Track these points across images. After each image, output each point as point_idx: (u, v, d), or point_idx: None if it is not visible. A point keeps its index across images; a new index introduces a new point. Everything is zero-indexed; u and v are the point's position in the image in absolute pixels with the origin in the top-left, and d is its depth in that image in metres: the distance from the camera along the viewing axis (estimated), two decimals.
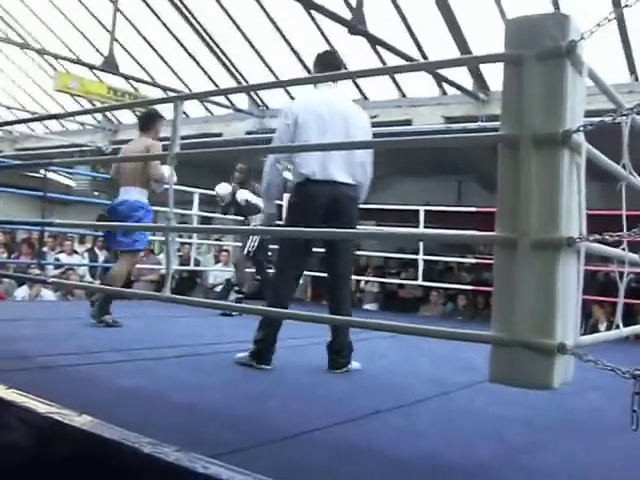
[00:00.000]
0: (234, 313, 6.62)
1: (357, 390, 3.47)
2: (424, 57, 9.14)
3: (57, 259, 10.18)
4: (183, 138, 3.02)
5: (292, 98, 10.41)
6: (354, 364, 3.91)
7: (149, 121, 5.70)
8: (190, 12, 11.19)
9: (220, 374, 3.66)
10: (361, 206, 4.14)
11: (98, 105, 11.26)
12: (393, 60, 8.29)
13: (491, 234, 1.94)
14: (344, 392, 3.39)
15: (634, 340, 5.80)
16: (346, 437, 2.44)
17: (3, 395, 2.60)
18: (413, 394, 3.32)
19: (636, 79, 8.34)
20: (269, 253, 7.43)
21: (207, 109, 12.84)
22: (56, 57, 12.45)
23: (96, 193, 14.55)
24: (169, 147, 2.92)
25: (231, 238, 9.71)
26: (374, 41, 7.91)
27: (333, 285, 4.01)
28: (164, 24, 11.69)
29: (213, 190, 7.46)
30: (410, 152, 8.33)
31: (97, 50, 12.26)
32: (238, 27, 10.88)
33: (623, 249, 2.02)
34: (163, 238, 3.73)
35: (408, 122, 9.81)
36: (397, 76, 9.93)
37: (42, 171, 9.11)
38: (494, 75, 8.66)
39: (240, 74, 11.74)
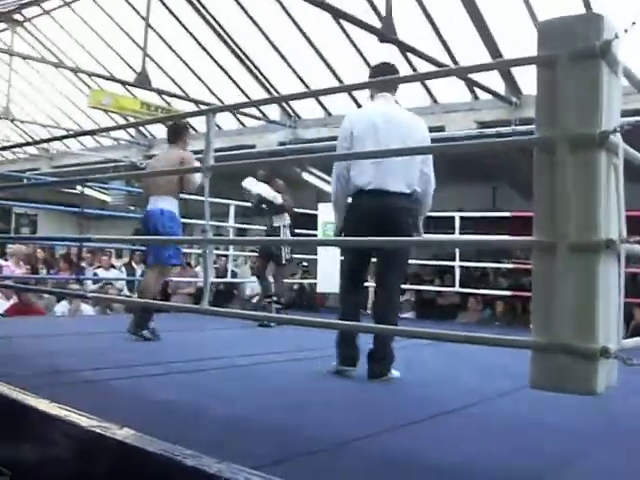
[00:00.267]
0: (272, 324, 6.64)
1: (396, 399, 3.45)
2: (455, 62, 9.07)
3: (95, 274, 10.29)
4: (217, 150, 3.05)
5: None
6: (394, 373, 3.88)
7: (178, 132, 5.73)
8: (220, 25, 11.27)
9: (259, 385, 3.66)
10: None
11: (132, 120, 11.38)
12: (424, 67, 8.27)
13: (529, 239, 1.92)
14: (383, 402, 3.37)
15: None
16: (385, 448, 2.42)
17: (46, 409, 2.63)
18: (453, 402, 3.29)
19: None
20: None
21: (239, 121, 12.91)
22: (90, 75, 12.68)
23: (131, 207, 14.71)
24: (203, 159, 2.94)
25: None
26: (404, 48, 7.88)
27: (376, 294, 4.03)
28: (195, 38, 11.79)
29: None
30: (444, 159, 8.28)
31: (130, 66, 12.40)
32: (267, 38, 10.94)
33: None
34: (200, 251, 3.75)
35: (441, 129, 9.76)
36: (428, 82, 9.90)
37: (79, 187, 9.23)
38: (526, 78, 8.59)
39: (271, 85, 11.78)
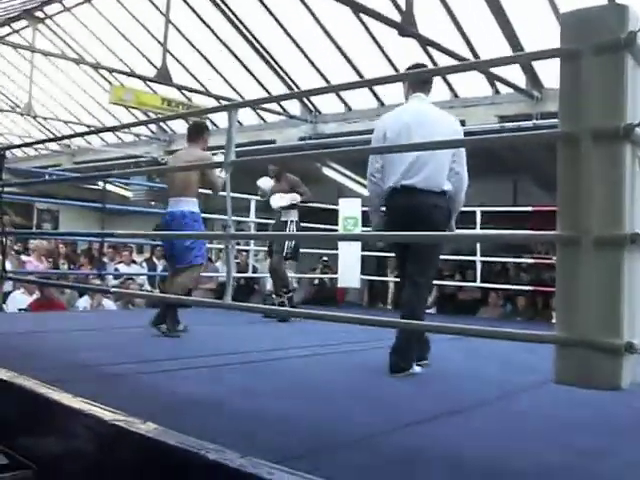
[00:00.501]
0: (292, 319, 6.64)
1: (418, 394, 3.44)
2: (475, 56, 9.02)
3: (117, 269, 10.36)
4: (237, 146, 3.04)
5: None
6: (416, 368, 3.87)
7: (198, 132, 5.74)
8: (240, 20, 11.29)
9: (280, 379, 3.66)
10: None
11: (152, 116, 11.42)
12: (444, 60, 8.22)
13: (553, 233, 1.90)
14: (405, 396, 3.37)
15: None
16: (407, 442, 2.42)
17: (70, 403, 2.65)
18: (475, 397, 3.28)
19: None
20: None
21: (260, 117, 12.93)
22: (111, 71, 12.74)
23: (152, 203, 14.77)
24: (225, 155, 2.94)
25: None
26: (425, 42, 7.86)
27: (403, 289, 4.03)
28: (215, 34, 11.82)
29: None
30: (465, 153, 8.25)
31: (150, 62, 12.46)
32: (287, 33, 10.93)
33: None
34: (221, 246, 3.75)
35: (462, 122, 9.69)
36: (449, 76, 9.84)
37: (100, 183, 9.28)
38: (548, 71, 8.53)
39: (292, 80, 11.79)
